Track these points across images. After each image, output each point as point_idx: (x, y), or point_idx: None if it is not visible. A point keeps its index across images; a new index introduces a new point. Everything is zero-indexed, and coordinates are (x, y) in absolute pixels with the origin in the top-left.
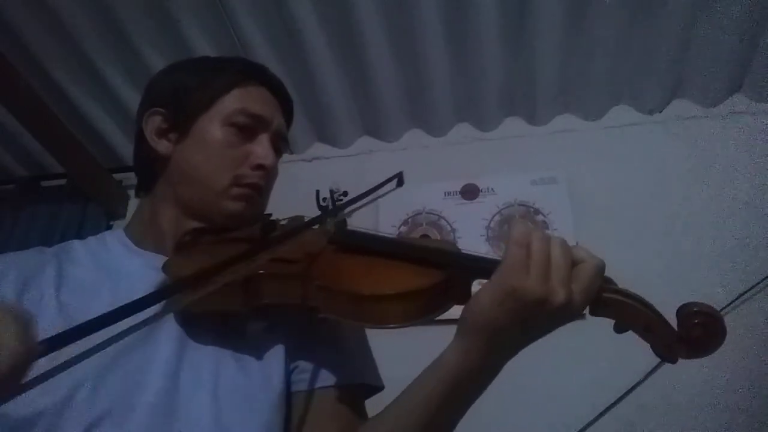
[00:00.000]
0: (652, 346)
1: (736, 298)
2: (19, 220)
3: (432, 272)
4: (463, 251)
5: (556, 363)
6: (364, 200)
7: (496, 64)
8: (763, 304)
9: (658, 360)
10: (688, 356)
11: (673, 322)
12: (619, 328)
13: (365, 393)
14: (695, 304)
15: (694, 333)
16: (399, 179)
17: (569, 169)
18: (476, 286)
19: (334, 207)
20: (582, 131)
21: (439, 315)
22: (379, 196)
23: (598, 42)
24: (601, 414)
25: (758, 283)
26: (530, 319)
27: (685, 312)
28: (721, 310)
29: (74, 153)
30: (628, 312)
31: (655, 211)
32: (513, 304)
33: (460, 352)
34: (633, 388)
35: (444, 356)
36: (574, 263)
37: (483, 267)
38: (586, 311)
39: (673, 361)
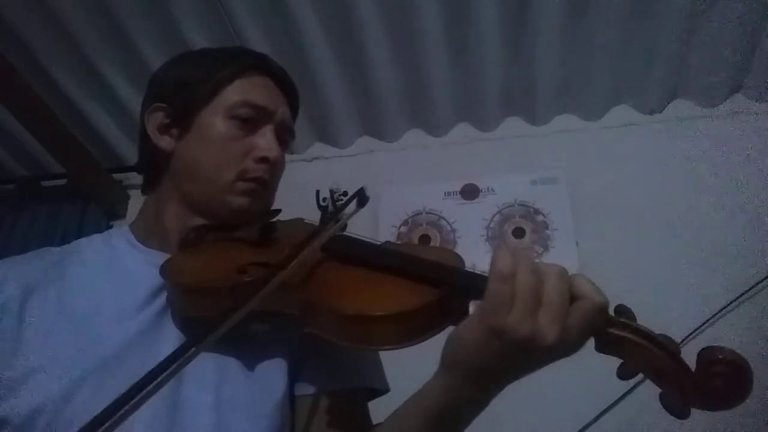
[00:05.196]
0: (661, 395)
1: (736, 298)
2: (19, 220)
3: (426, 290)
4: (463, 268)
5: (556, 362)
6: (330, 227)
7: (496, 64)
8: (763, 304)
9: None
10: (702, 407)
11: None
12: (624, 372)
13: (370, 396)
14: (721, 350)
15: (712, 383)
16: (361, 197)
17: (569, 169)
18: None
19: (335, 209)
20: (582, 131)
21: (433, 336)
22: (346, 218)
23: (598, 42)
24: (601, 414)
25: (758, 283)
26: (517, 357)
27: (706, 357)
28: (721, 310)
29: (74, 153)
30: (636, 352)
31: (655, 211)
32: (495, 345)
33: (441, 388)
34: (633, 388)
35: (426, 389)
36: (573, 297)
37: (481, 288)
38: (591, 344)
39: (684, 416)
